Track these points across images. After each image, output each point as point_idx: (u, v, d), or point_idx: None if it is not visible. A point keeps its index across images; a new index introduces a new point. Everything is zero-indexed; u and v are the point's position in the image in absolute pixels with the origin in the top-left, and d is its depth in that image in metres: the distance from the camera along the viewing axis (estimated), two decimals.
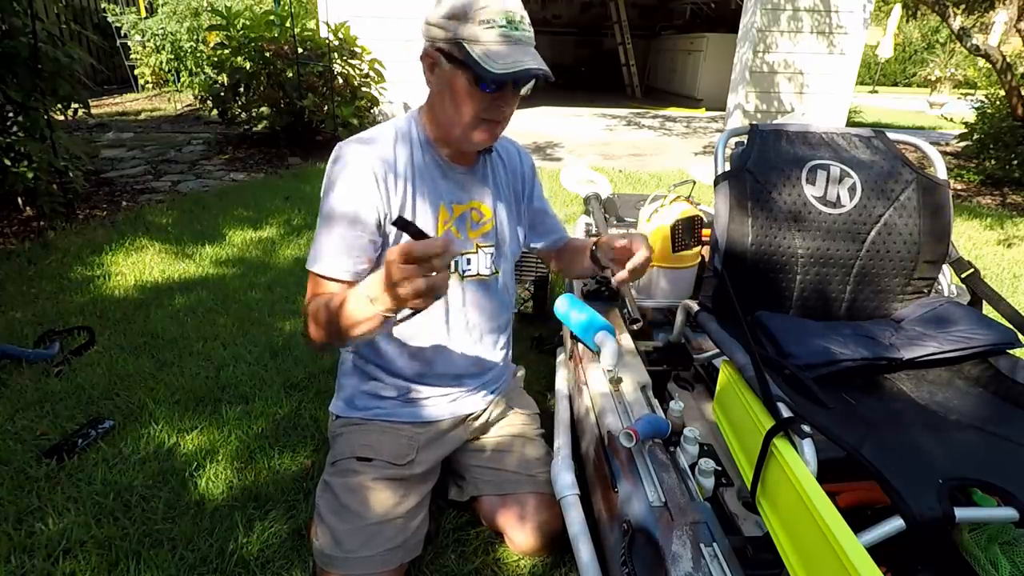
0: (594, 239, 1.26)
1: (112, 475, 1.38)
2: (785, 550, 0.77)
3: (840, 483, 0.90)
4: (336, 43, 4.86)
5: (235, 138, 5.28)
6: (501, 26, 0.95)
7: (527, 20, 1.01)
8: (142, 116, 6.65)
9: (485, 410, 1.31)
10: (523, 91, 1.05)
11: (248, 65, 4.65)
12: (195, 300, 2.31)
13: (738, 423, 0.97)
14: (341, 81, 4.94)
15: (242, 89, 4.80)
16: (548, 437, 1.35)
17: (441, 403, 1.24)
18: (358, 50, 4.98)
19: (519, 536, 1.18)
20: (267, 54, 4.62)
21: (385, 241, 1.09)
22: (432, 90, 1.08)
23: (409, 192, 1.10)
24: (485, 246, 1.21)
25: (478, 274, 1.20)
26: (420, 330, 1.18)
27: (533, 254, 2.18)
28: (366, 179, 1.04)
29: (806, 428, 0.79)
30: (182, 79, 7.10)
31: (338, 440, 1.21)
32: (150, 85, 7.87)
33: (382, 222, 1.07)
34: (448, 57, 1.00)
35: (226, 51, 4.69)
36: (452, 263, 1.17)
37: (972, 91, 5.79)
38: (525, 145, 1.21)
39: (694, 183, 1.70)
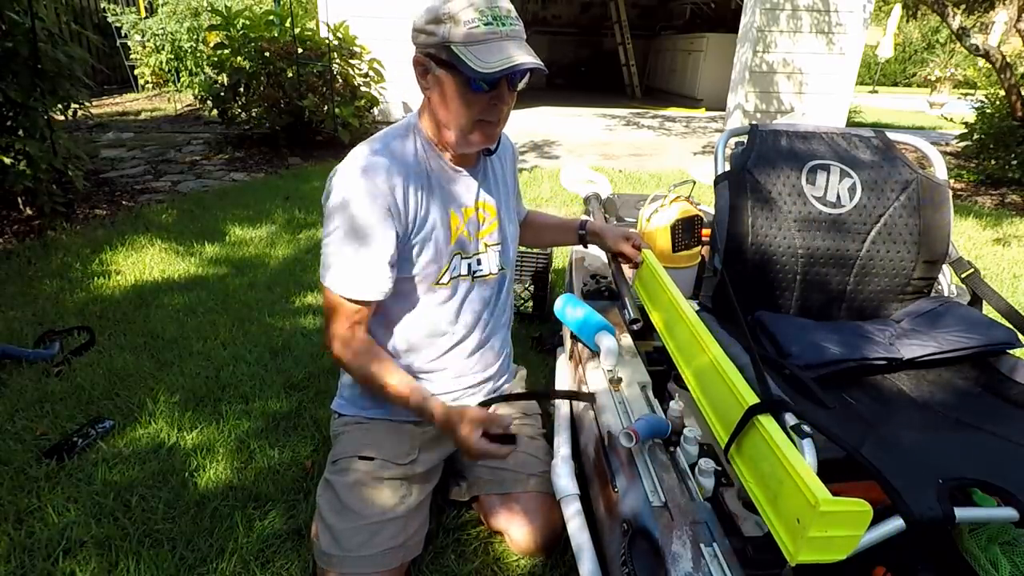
0: (581, 222, 1.41)
1: (112, 475, 1.38)
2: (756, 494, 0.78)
3: (840, 483, 0.90)
4: (336, 43, 4.86)
5: (235, 138, 5.28)
6: (487, 23, 0.94)
7: (513, 13, 1.00)
8: (142, 116, 6.64)
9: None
10: (519, 86, 1.05)
11: (248, 65, 4.65)
12: (195, 300, 2.31)
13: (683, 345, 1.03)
14: (341, 81, 4.94)
15: (242, 89, 4.80)
16: (548, 437, 1.35)
17: (445, 402, 1.24)
18: (358, 50, 4.99)
19: (519, 536, 1.18)
20: (267, 54, 4.62)
21: (404, 255, 1.08)
22: (427, 96, 1.07)
23: (424, 204, 1.09)
24: (493, 245, 1.22)
25: (489, 273, 1.21)
26: (430, 329, 1.18)
27: (532, 251, 2.18)
28: (384, 197, 1.02)
29: (806, 428, 0.79)
30: (182, 79, 7.09)
31: (340, 438, 1.21)
32: (150, 85, 7.86)
33: (400, 238, 1.06)
34: (437, 61, 1.00)
35: (226, 51, 4.69)
36: (466, 266, 1.17)
37: (972, 91, 5.78)
38: (524, 145, 1.21)
39: (694, 183, 1.70)
